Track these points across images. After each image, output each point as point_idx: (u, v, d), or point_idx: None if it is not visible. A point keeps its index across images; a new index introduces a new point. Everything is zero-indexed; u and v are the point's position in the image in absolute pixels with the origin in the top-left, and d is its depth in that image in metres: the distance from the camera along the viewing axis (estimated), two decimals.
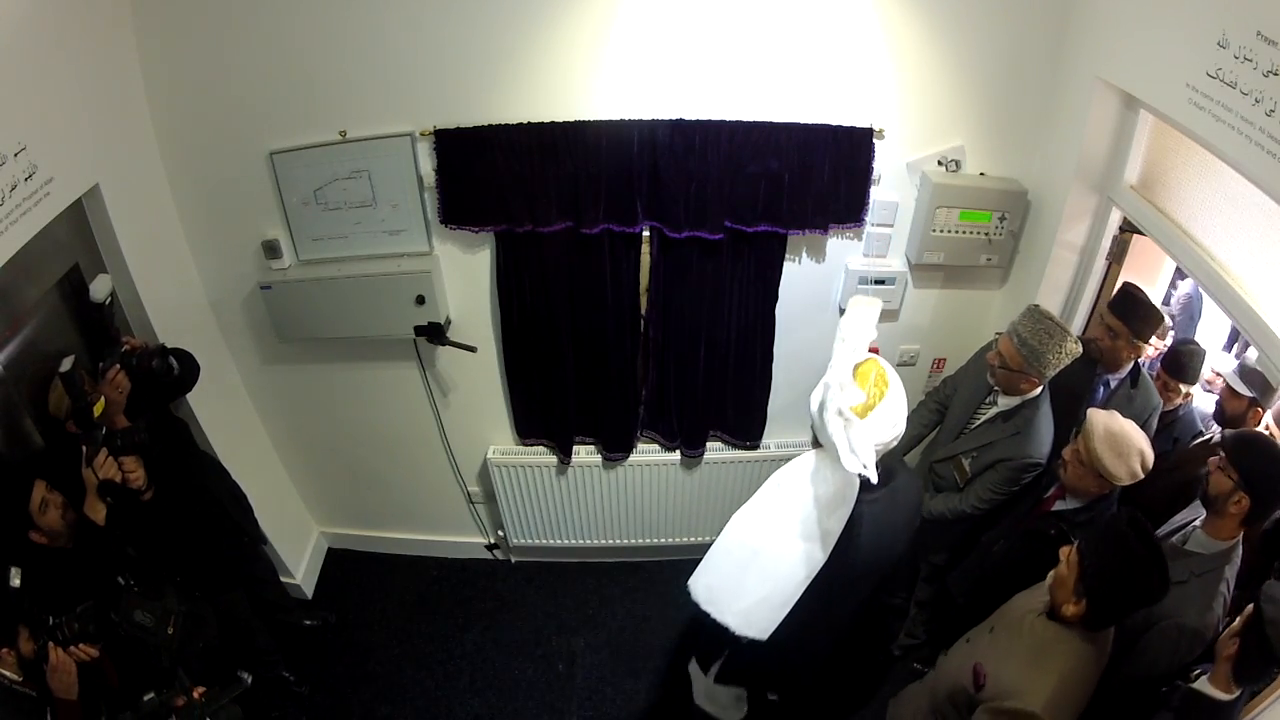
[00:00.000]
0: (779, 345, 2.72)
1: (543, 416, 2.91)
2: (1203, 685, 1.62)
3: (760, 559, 1.67)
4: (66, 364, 1.90)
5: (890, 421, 1.56)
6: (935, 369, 2.90)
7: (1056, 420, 2.23)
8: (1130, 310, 2.19)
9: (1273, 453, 1.79)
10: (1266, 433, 2.15)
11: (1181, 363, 2.33)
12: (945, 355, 2.86)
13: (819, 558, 1.61)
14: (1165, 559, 1.54)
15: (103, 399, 1.95)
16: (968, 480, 2.34)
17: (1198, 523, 1.87)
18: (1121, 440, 1.90)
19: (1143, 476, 1.90)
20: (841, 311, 2.68)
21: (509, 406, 2.90)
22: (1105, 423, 1.92)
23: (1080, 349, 2.08)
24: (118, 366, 2.02)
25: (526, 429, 2.95)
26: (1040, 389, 2.17)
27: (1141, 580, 1.52)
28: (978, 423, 2.33)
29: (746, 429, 2.93)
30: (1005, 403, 2.23)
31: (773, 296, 2.59)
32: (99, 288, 2.13)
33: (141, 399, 2.12)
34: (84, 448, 1.89)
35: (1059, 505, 2.13)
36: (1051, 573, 1.69)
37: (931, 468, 2.51)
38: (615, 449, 2.95)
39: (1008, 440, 2.20)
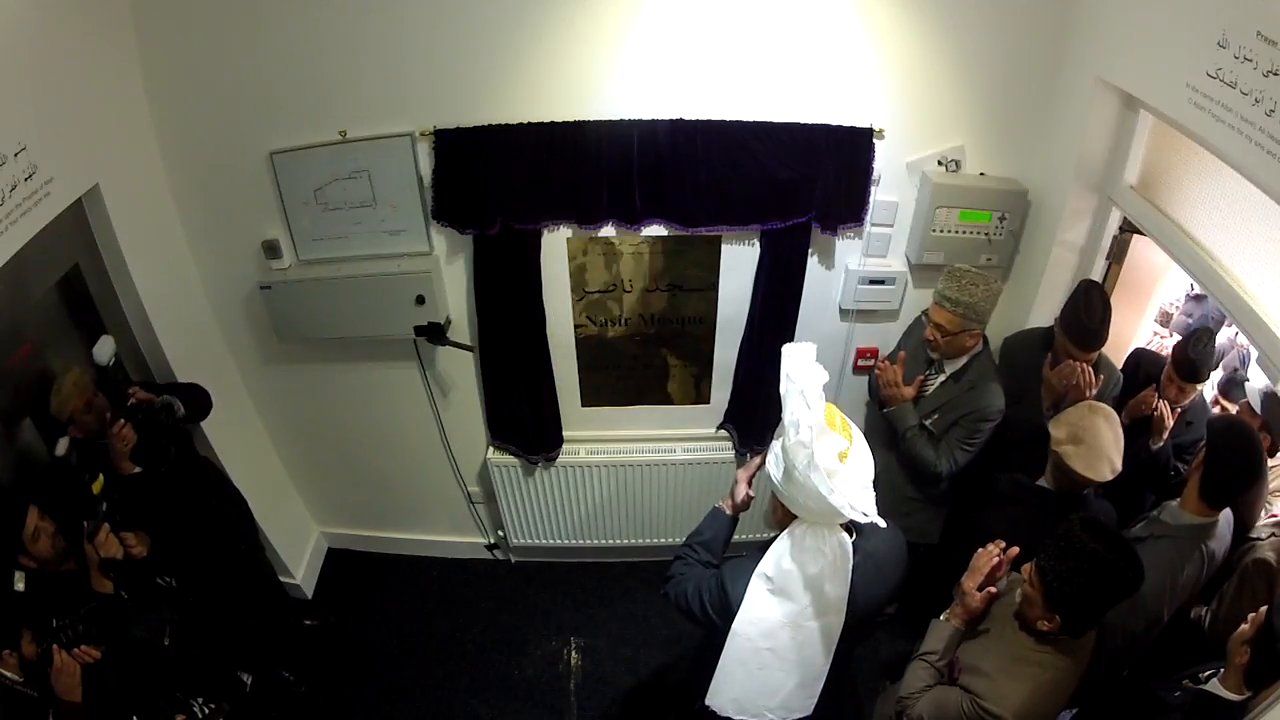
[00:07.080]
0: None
1: (514, 420, 2.87)
2: (1214, 686, 1.62)
3: (779, 653, 1.60)
4: (62, 446, 1.89)
5: (868, 457, 1.49)
6: None
7: (1022, 403, 2.29)
8: (1084, 339, 2.13)
9: (1246, 435, 1.81)
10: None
11: (1195, 366, 2.26)
12: None
13: (837, 625, 1.57)
14: (1130, 547, 1.52)
15: (101, 477, 1.92)
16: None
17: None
18: (1093, 448, 1.92)
19: (1120, 469, 1.92)
20: (842, 313, 2.69)
21: (484, 408, 2.89)
22: (1070, 436, 1.95)
23: (1001, 285, 2.22)
24: (123, 421, 2.00)
25: (498, 432, 2.94)
26: (981, 343, 2.26)
27: (1111, 578, 1.50)
28: (929, 392, 2.38)
29: (753, 431, 2.91)
30: (952, 366, 2.32)
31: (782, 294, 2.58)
32: (102, 351, 2.11)
33: (150, 442, 2.08)
34: (85, 523, 1.87)
35: None
36: (1018, 590, 1.67)
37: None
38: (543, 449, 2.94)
39: (965, 396, 2.29)
